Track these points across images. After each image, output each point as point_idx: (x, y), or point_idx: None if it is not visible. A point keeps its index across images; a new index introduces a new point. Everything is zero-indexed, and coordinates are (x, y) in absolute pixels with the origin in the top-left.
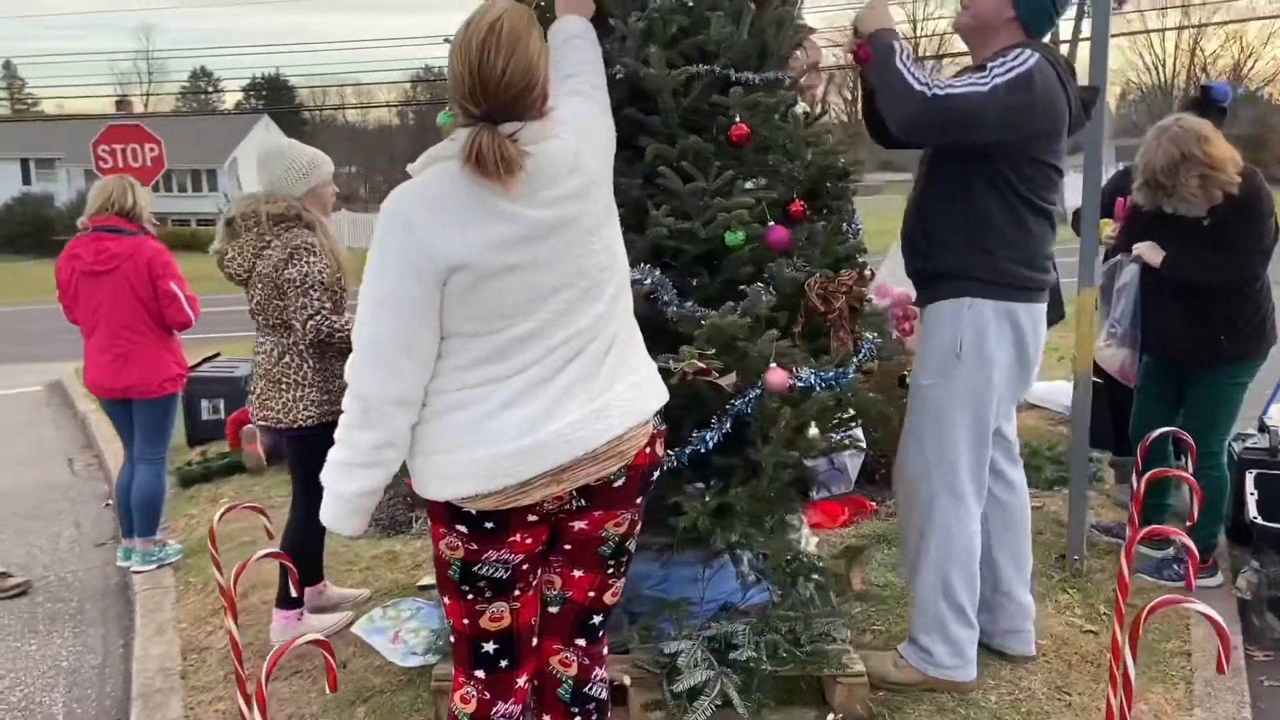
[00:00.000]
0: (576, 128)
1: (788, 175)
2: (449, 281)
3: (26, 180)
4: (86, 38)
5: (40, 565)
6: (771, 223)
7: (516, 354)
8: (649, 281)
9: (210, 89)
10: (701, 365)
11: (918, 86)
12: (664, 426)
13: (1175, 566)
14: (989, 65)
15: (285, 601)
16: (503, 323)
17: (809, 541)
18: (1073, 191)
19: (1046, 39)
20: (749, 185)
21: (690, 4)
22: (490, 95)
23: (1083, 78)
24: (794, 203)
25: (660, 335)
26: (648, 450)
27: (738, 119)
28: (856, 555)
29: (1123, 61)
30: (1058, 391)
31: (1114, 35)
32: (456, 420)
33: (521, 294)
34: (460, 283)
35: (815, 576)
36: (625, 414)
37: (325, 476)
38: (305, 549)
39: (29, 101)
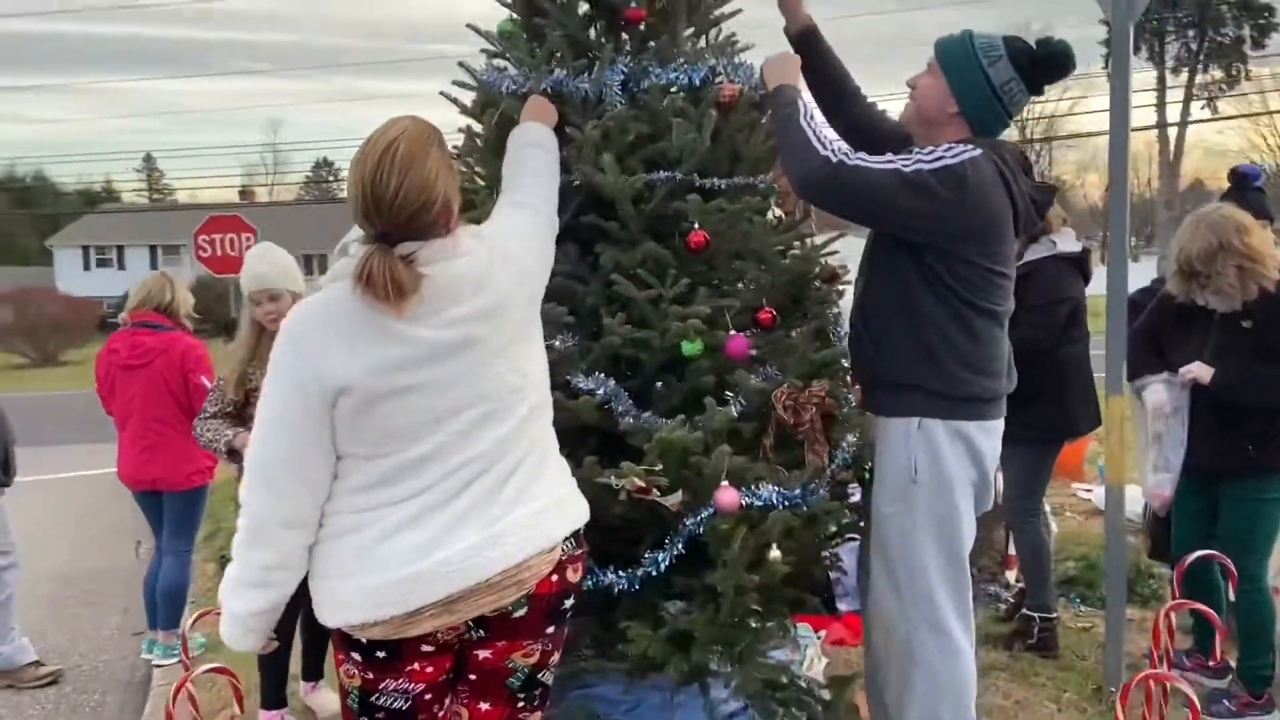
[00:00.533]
0: (495, 242)
1: (754, 282)
2: (337, 404)
3: (154, 265)
4: (221, 131)
5: (78, 653)
6: (732, 331)
7: (410, 477)
8: (602, 391)
9: (330, 178)
10: (641, 484)
11: (824, 150)
12: (581, 550)
13: (1227, 701)
14: (916, 152)
15: (269, 701)
16: (395, 445)
17: (815, 663)
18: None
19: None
20: (709, 292)
21: (655, 109)
22: (384, 216)
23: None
24: (762, 310)
25: (618, 446)
26: (554, 578)
27: (696, 226)
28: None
29: (1244, 143)
30: (1127, 497)
31: (1235, 117)
32: (350, 544)
33: (414, 417)
34: (348, 405)
35: (807, 706)
36: (524, 541)
37: (222, 592)
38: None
39: (165, 191)
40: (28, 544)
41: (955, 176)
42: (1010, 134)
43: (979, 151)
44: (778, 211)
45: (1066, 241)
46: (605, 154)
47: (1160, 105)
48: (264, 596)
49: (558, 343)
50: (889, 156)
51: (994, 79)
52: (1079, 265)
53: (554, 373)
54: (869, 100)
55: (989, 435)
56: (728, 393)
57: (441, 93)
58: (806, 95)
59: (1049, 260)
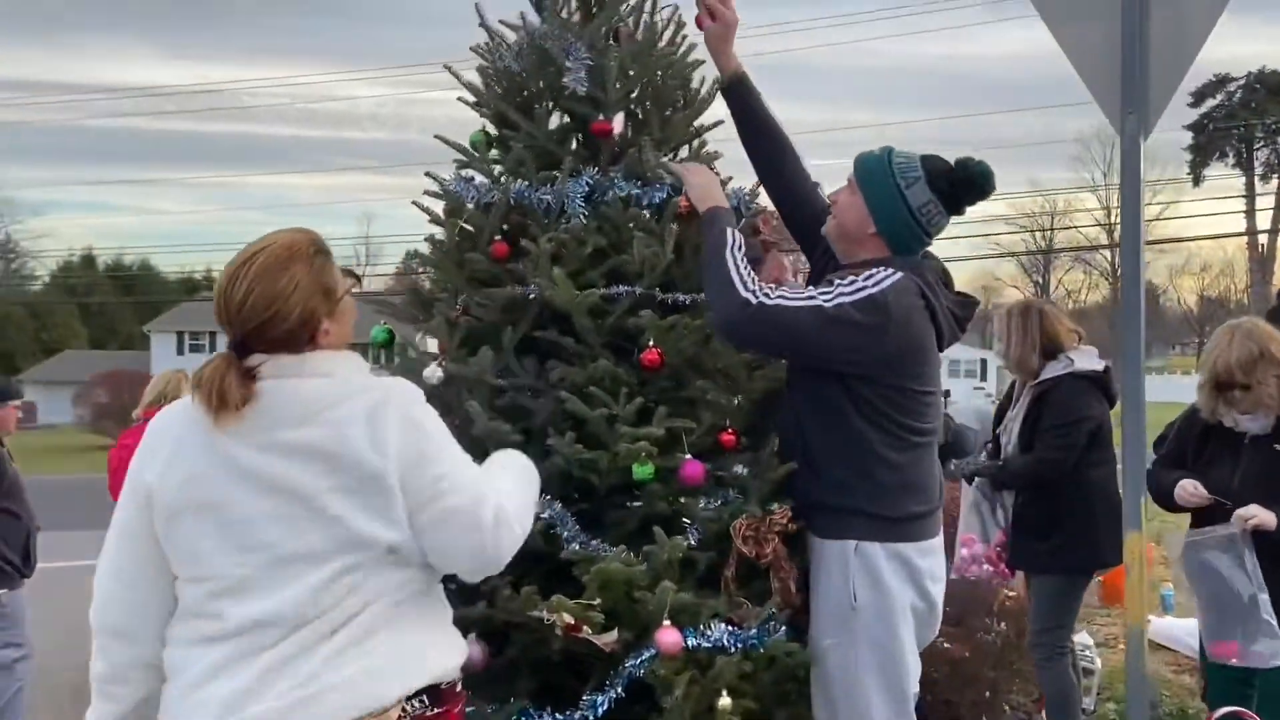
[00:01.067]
0: (392, 400)
1: (714, 403)
2: (154, 513)
3: None
4: (318, 223)
5: None
6: (687, 455)
7: (226, 612)
8: (548, 514)
9: (421, 270)
10: (571, 621)
11: (743, 291)
12: (442, 709)
13: None
14: (836, 282)
15: None
16: (203, 570)
17: None
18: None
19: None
20: (668, 413)
21: (617, 222)
22: (233, 323)
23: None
24: (725, 432)
25: (566, 576)
26: None
27: (651, 343)
28: None
29: None
30: (1185, 630)
31: None
32: (177, 684)
33: (218, 542)
34: (159, 516)
35: None
36: (347, 703)
37: None
38: None
39: None
40: (70, 630)
41: (877, 306)
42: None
43: (899, 275)
44: None
45: (1084, 359)
46: (556, 268)
47: (1250, 212)
48: (105, 709)
49: None
50: (810, 291)
51: (911, 201)
52: (1100, 384)
53: None
54: (798, 159)
55: (926, 555)
56: (686, 519)
57: (414, 202)
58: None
59: (1065, 379)
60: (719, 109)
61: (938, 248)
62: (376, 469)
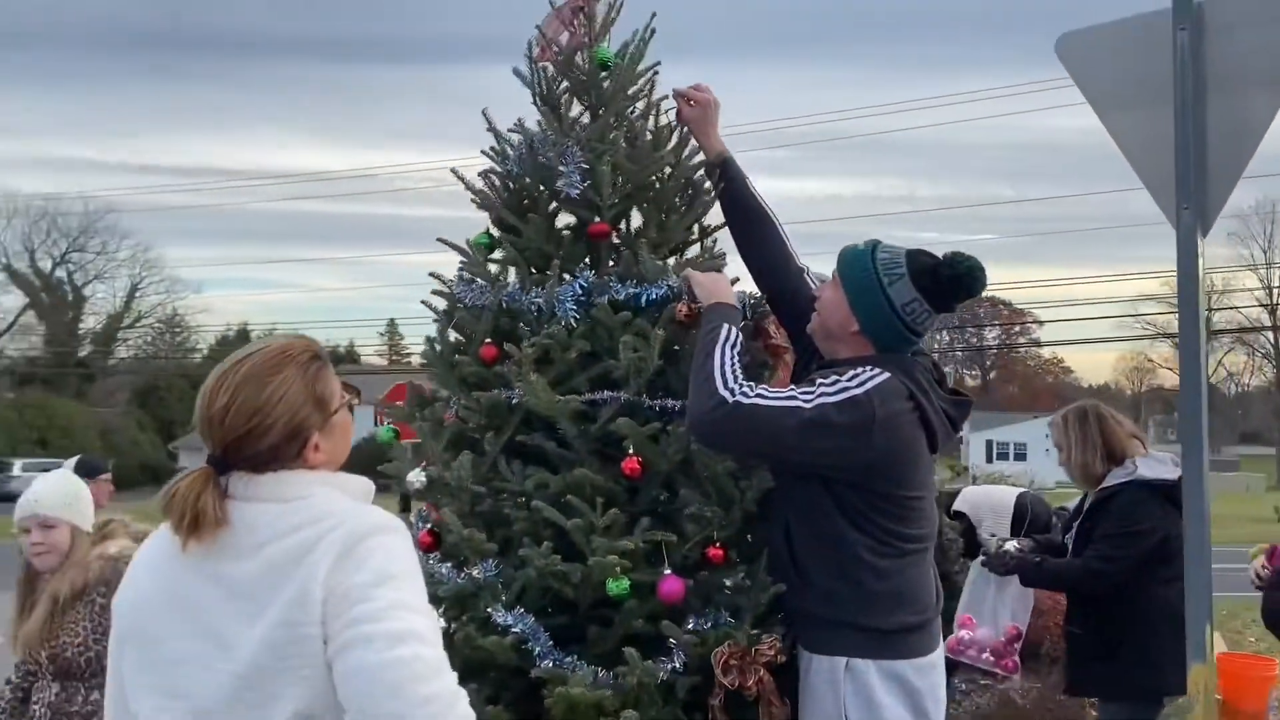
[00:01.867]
0: (346, 537)
1: (700, 515)
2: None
3: (376, 423)
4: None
5: None
6: (666, 570)
7: None
8: (519, 628)
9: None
10: None
11: (721, 388)
12: None
13: None
14: (818, 380)
15: None
16: (138, 709)
17: None
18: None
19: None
20: (652, 524)
21: (608, 326)
22: (211, 435)
23: None
24: (712, 547)
25: (531, 692)
26: None
27: (630, 450)
28: None
29: None
30: None
31: None
32: None
33: (156, 680)
34: (113, 641)
35: None
36: None
37: None
38: None
39: (404, 354)
40: None
41: (859, 408)
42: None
43: (885, 375)
44: None
45: (1150, 466)
46: (537, 373)
47: None
48: None
49: (476, 571)
50: (790, 390)
51: (894, 299)
52: (1169, 494)
53: (471, 604)
54: (784, 238)
55: (925, 673)
56: (671, 640)
57: (422, 301)
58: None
59: (1127, 486)
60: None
61: (1092, 321)
62: (298, 619)
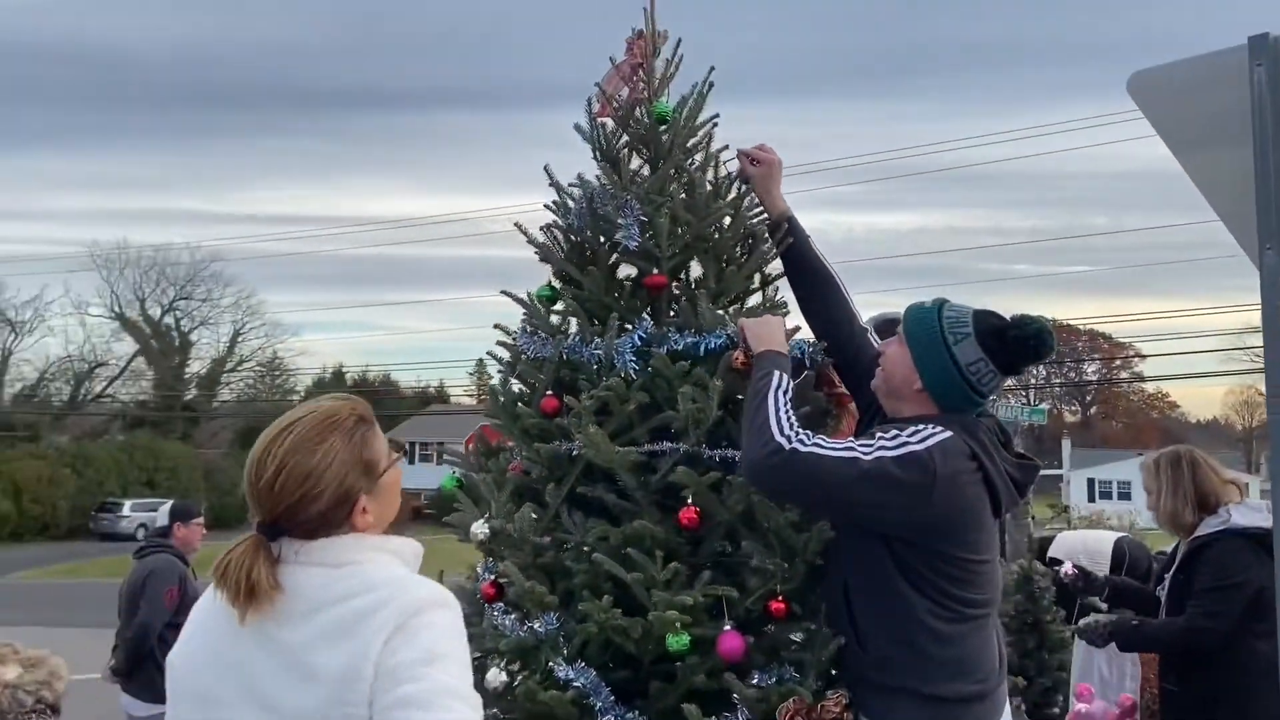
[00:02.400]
0: (401, 609)
1: (762, 568)
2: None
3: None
4: None
5: None
6: (727, 626)
7: None
8: (580, 682)
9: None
10: None
11: (778, 435)
12: None
13: None
14: (878, 434)
15: None
16: None
17: None
18: None
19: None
20: (714, 577)
21: (667, 377)
22: (261, 504)
23: None
24: (775, 600)
25: None
26: None
27: (689, 501)
28: None
29: None
30: None
31: None
32: None
33: None
34: (169, 698)
35: None
36: None
37: None
38: None
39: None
40: None
41: (919, 465)
42: None
43: (948, 434)
44: None
45: (1245, 514)
46: (595, 424)
47: None
48: None
49: (538, 624)
50: (849, 441)
51: (959, 358)
52: (1263, 543)
53: (533, 657)
54: (846, 298)
55: None
56: (735, 695)
57: (488, 352)
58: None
59: (1221, 536)
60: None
61: (1198, 354)
62: (348, 697)
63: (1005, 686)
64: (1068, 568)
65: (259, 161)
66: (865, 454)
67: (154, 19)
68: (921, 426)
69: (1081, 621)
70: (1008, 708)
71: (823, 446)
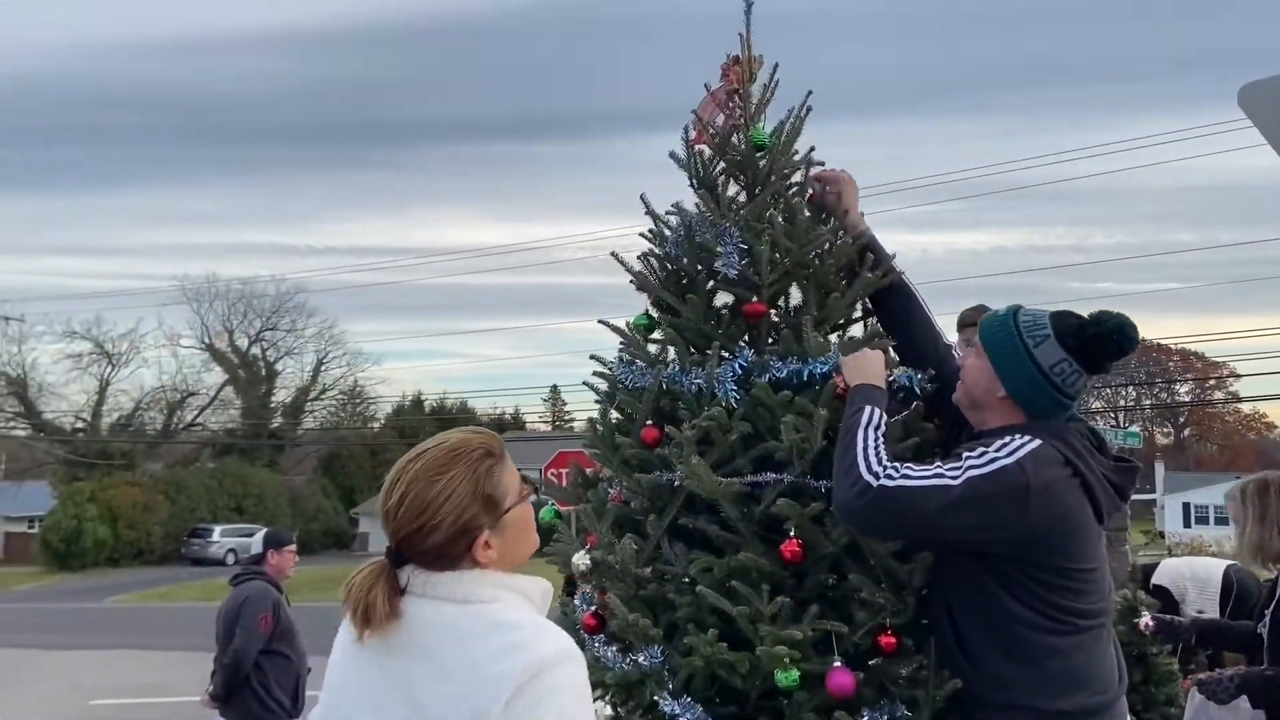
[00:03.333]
0: (533, 664)
1: (870, 601)
2: None
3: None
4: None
5: None
6: (837, 662)
7: None
8: (686, 717)
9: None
10: None
11: (865, 473)
12: None
13: None
14: (965, 454)
15: None
16: None
17: None
18: None
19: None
20: (822, 611)
21: (769, 406)
22: (388, 529)
23: None
24: (885, 635)
25: None
26: None
27: (791, 533)
28: None
29: None
30: None
31: None
32: None
33: None
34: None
35: None
36: None
37: None
38: None
39: (566, 420)
40: None
41: (1011, 478)
42: None
43: (1037, 442)
44: None
45: None
46: (698, 455)
47: None
48: None
49: (642, 658)
50: (935, 468)
51: (1041, 361)
52: None
53: (638, 691)
54: (929, 316)
55: None
56: None
57: (584, 382)
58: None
59: None
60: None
61: (1276, 362)
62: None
63: (1125, 700)
64: (1146, 620)
65: (336, 195)
66: (954, 478)
67: (236, 59)
68: (1009, 439)
69: (1203, 675)
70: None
71: (911, 477)
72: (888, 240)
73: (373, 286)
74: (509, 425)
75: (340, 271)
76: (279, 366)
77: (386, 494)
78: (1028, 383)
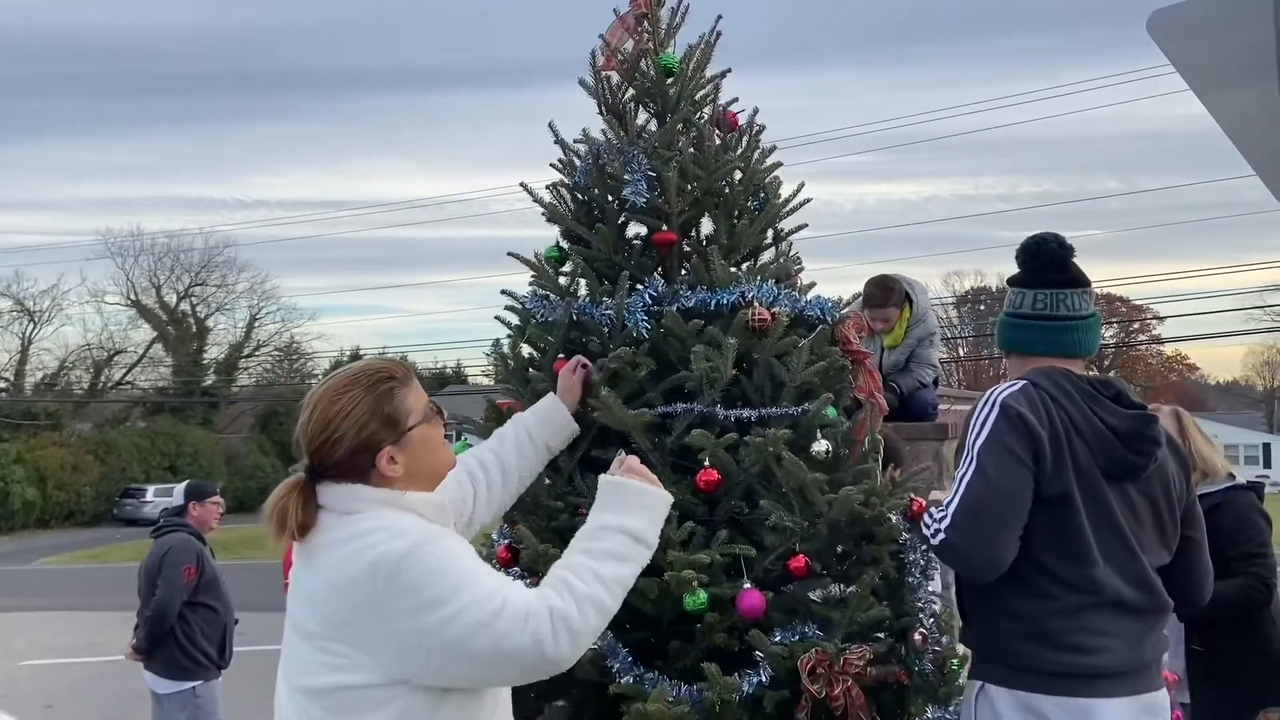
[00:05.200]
0: (385, 556)
1: (781, 526)
2: None
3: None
4: None
5: None
6: (746, 584)
7: None
8: (599, 644)
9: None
10: None
11: (928, 532)
12: None
13: None
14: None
15: None
16: None
17: None
18: None
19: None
20: (731, 537)
21: (680, 336)
22: (300, 445)
23: None
24: (794, 558)
25: (614, 709)
26: None
27: (706, 463)
28: None
29: None
30: None
31: None
32: None
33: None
34: None
35: None
36: None
37: None
38: None
39: None
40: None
41: (994, 429)
42: None
43: (1010, 389)
44: (823, 445)
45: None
46: (606, 387)
47: None
48: None
49: None
50: (959, 470)
51: (1007, 308)
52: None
53: None
54: None
55: (1076, 717)
56: (758, 653)
57: (496, 317)
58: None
59: (1231, 493)
60: (803, 214)
61: (1216, 314)
62: (346, 620)
63: (1128, 674)
64: None
65: (265, 147)
66: (968, 468)
67: (159, 7)
68: (982, 403)
69: None
70: (1127, 710)
71: (945, 503)
72: (822, 190)
73: (306, 240)
74: (450, 379)
75: (271, 225)
76: (210, 323)
77: (301, 414)
78: (1005, 329)
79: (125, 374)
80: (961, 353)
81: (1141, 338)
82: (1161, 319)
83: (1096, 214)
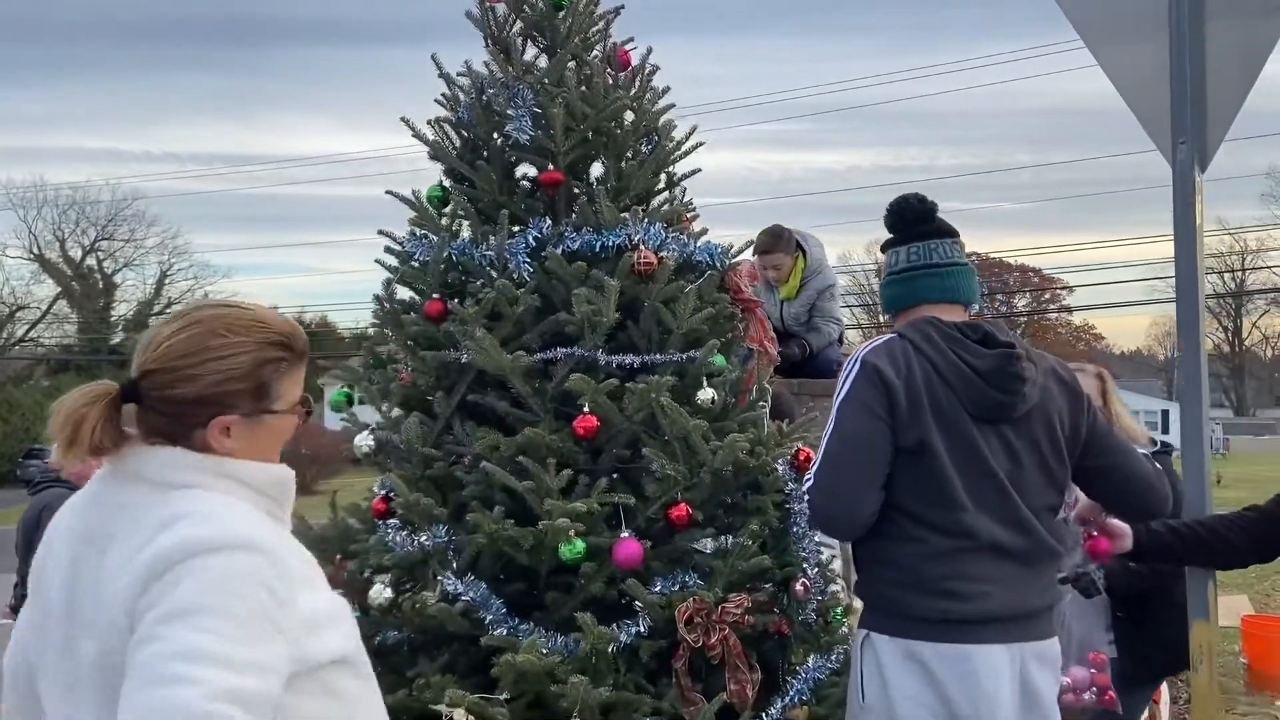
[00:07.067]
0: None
1: (663, 475)
2: None
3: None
4: None
5: None
6: (624, 534)
7: None
8: (469, 596)
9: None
10: (469, 718)
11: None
12: None
13: None
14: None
15: None
16: None
17: None
18: None
19: None
20: (610, 485)
21: (563, 278)
22: (142, 354)
23: None
24: (675, 507)
25: (488, 661)
26: None
27: (586, 409)
28: None
29: None
30: None
31: None
32: None
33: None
34: None
35: None
36: None
37: None
38: None
39: None
40: None
41: (851, 388)
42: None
43: (868, 346)
44: (709, 393)
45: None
46: (482, 330)
47: None
48: None
49: (425, 538)
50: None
51: (884, 270)
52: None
53: (420, 572)
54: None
55: (951, 662)
56: (637, 603)
57: (376, 260)
58: None
59: (1160, 454)
60: (696, 158)
61: (1122, 285)
62: (112, 646)
63: (1023, 628)
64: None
65: (175, 98)
66: (830, 429)
67: None
68: (856, 351)
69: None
70: (1007, 655)
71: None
72: (748, 159)
73: (220, 194)
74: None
75: (181, 178)
76: (117, 279)
77: (165, 325)
78: (883, 292)
79: (28, 330)
80: (883, 320)
81: (1052, 308)
82: (1071, 289)
83: (1011, 186)
